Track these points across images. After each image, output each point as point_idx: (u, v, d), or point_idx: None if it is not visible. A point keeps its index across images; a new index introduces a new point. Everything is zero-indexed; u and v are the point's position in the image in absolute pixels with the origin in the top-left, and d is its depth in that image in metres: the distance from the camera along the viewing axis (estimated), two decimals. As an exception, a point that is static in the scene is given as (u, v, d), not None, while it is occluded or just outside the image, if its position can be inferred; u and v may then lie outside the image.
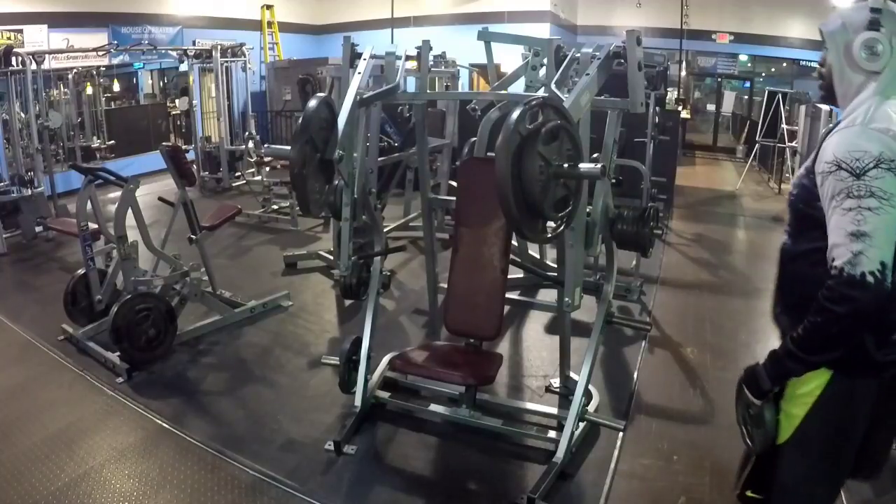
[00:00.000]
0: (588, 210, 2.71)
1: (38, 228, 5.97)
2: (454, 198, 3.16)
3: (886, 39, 1.43)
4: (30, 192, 5.99)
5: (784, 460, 1.56)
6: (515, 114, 1.88)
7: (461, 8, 12.21)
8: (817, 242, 1.43)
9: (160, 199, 4.33)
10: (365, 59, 3.11)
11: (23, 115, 6.76)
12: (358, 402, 2.93)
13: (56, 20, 8.58)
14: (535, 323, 4.12)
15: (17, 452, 2.70)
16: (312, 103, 2.38)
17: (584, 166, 2.11)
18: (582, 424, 2.72)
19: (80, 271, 3.84)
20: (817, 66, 1.59)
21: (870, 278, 1.30)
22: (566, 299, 2.73)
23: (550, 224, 2.15)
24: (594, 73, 2.60)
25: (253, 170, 7.93)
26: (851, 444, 1.53)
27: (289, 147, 2.33)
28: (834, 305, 1.34)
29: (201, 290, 3.85)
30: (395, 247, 4.21)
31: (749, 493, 1.69)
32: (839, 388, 1.47)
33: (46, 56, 7.04)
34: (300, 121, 2.35)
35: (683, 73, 13.84)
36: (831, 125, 1.48)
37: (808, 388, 1.48)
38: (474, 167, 3.06)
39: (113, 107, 9.76)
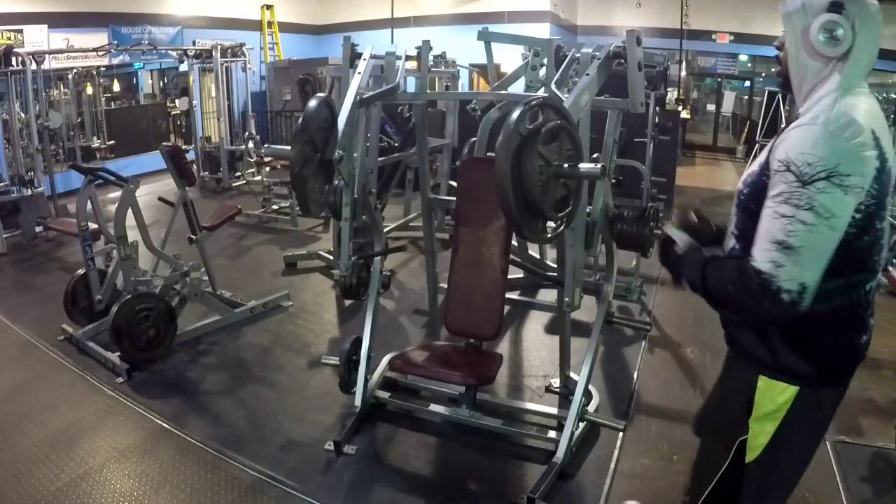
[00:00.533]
0: (588, 210, 2.71)
1: (38, 228, 5.97)
2: (454, 198, 3.16)
3: (848, 24, 1.31)
4: (30, 192, 5.99)
5: (752, 478, 1.52)
6: (515, 114, 1.88)
7: (461, 8, 12.21)
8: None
9: (160, 199, 4.33)
10: (365, 59, 3.11)
11: (23, 115, 6.76)
12: (358, 402, 2.93)
13: (56, 20, 8.58)
14: (535, 323, 4.12)
15: (17, 452, 2.70)
16: (312, 103, 2.38)
17: (584, 166, 2.11)
18: (582, 424, 2.72)
19: (80, 271, 3.84)
20: (775, 49, 1.47)
21: (784, 296, 1.25)
22: (566, 299, 2.73)
23: (550, 224, 2.15)
24: (594, 73, 2.60)
25: (253, 170, 7.93)
26: (812, 453, 1.53)
27: (289, 147, 2.33)
28: (742, 295, 1.31)
29: (201, 290, 3.85)
30: (395, 247, 4.22)
31: None
32: (808, 402, 1.43)
33: (46, 56, 7.04)
34: (300, 121, 2.35)
35: (683, 73, 13.84)
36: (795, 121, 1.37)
37: (777, 404, 1.44)
38: (474, 167, 3.06)
39: (113, 107, 9.75)
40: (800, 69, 1.38)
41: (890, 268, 4.30)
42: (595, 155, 2.91)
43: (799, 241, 1.24)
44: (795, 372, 1.41)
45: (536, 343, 3.86)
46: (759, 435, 1.47)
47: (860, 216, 1.28)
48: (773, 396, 1.44)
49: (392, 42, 10.12)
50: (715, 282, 1.39)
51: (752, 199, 1.38)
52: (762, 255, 1.27)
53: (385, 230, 3.79)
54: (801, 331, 1.39)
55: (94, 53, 8.37)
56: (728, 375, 1.64)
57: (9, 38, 8.05)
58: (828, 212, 1.23)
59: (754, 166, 1.43)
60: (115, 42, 8.83)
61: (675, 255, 1.55)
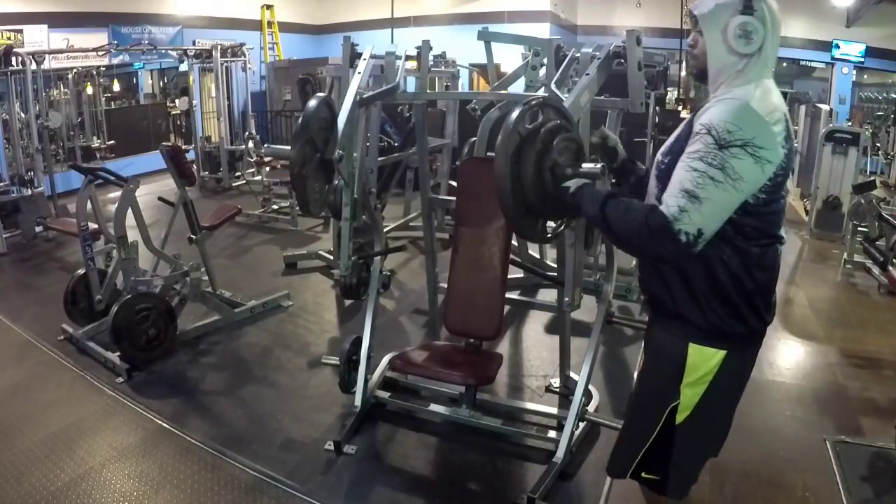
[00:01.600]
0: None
1: (38, 228, 5.97)
2: (454, 198, 3.16)
3: (760, 24, 1.46)
4: (30, 192, 5.99)
5: (681, 438, 1.61)
6: (515, 113, 1.88)
7: (461, 8, 12.21)
8: None
9: (160, 199, 4.33)
10: (365, 59, 3.11)
11: (23, 115, 6.76)
12: (358, 402, 2.93)
13: (56, 20, 8.58)
14: (535, 323, 4.12)
15: (17, 452, 2.70)
16: (312, 103, 2.38)
17: (585, 166, 2.11)
18: (582, 424, 2.72)
19: (80, 271, 3.84)
20: (688, 47, 1.59)
21: (682, 237, 1.38)
22: (566, 299, 2.73)
23: (550, 224, 2.15)
24: (594, 72, 2.60)
25: (253, 170, 7.93)
26: (735, 406, 1.72)
27: (288, 147, 2.33)
28: (644, 230, 1.42)
29: (201, 290, 3.85)
30: (395, 247, 4.22)
31: (644, 475, 1.72)
32: (734, 362, 1.56)
33: (46, 56, 7.04)
34: (300, 121, 2.35)
35: (683, 72, 13.83)
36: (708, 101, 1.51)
37: (706, 369, 1.55)
38: (474, 167, 3.06)
39: (113, 107, 9.75)
40: (717, 64, 1.51)
41: (890, 268, 4.30)
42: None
43: (705, 193, 1.37)
44: (725, 332, 1.54)
45: (536, 343, 3.86)
46: (690, 398, 1.58)
47: (770, 185, 1.44)
48: (705, 362, 1.55)
49: (392, 42, 10.11)
50: (616, 215, 1.51)
51: (673, 168, 1.49)
52: (671, 201, 1.40)
53: (385, 230, 3.79)
54: (728, 287, 1.51)
55: (94, 53, 8.37)
56: (655, 347, 1.71)
57: (9, 38, 8.05)
58: (736, 174, 1.37)
59: (672, 138, 1.57)
60: (115, 42, 8.84)
61: (573, 191, 1.67)
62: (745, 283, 1.50)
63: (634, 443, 1.69)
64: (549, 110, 2.03)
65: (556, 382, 3.25)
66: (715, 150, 1.37)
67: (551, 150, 1.97)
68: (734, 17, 1.46)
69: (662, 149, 1.60)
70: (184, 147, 6.15)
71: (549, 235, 2.21)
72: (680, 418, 1.59)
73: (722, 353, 1.54)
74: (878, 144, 9.26)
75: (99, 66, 9.06)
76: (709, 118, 1.41)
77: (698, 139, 1.41)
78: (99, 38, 8.81)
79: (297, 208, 6.60)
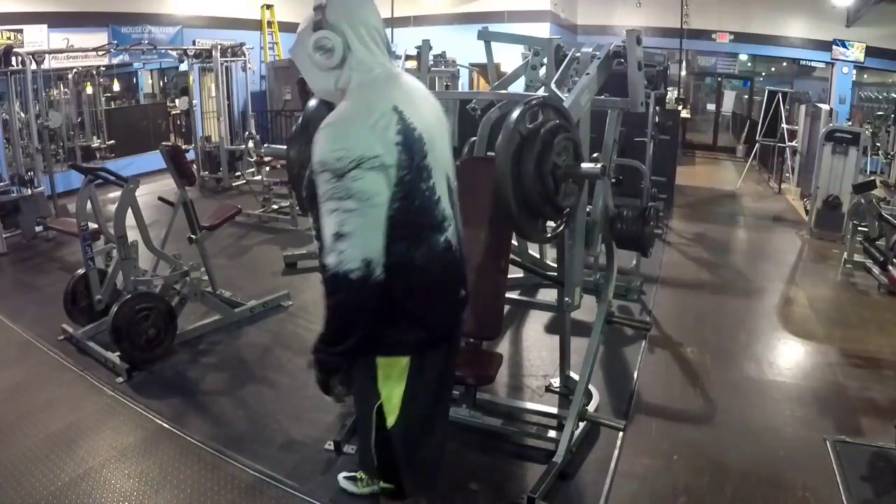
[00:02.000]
0: (588, 210, 2.71)
1: (38, 228, 5.96)
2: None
3: (335, 33, 1.43)
4: (30, 191, 5.99)
5: (397, 441, 1.59)
6: (515, 113, 1.88)
7: (461, 8, 12.21)
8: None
9: (160, 198, 4.33)
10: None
11: (23, 114, 6.75)
12: (358, 401, 2.93)
13: (56, 20, 8.57)
14: (535, 323, 4.12)
15: (17, 452, 2.70)
16: (312, 103, 2.38)
17: (585, 166, 2.11)
18: (582, 424, 2.72)
19: (80, 271, 3.84)
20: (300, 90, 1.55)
21: (354, 275, 1.36)
22: (566, 299, 2.73)
23: (550, 224, 2.15)
24: (594, 72, 2.60)
25: (253, 170, 7.92)
26: (441, 403, 1.74)
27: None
28: (330, 300, 1.43)
29: (201, 289, 3.85)
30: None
31: (383, 485, 1.71)
32: (416, 365, 1.55)
33: (46, 56, 7.04)
34: (300, 121, 2.35)
35: (683, 72, 13.83)
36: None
37: (398, 371, 1.54)
38: (474, 167, 3.05)
39: (113, 107, 9.75)
40: (320, 86, 1.51)
41: (890, 267, 4.30)
42: (595, 154, 2.91)
43: (349, 227, 1.35)
44: (407, 342, 1.53)
45: (536, 343, 3.86)
46: (392, 398, 1.56)
47: (398, 187, 1.40)
48: (393, 368, 1.55)
49: (392, 42, 10.11)
50: (325, 329, 1.48)
51: (311, 199, 1.48)
52: (328, 257, 1.39)
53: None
54: (405, 302, 1.50)
55: (94, 53, 8.36)
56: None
57: (9, 38, 8.04)
58: (366, 194, 1.35)
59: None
60: (115, 42, 8.83)
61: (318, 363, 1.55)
62: (400, 292, 1.47)
63: (367, 448, 1.66)
64: (549, 110, 2.03)
65: (556, 382, 3.24)
66: (337, 182, 1.35)
67: (552, 150, 1.97)
68: (310, 37, 1.45)
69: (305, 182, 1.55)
70: (184, 147, 6.14)
71: (549, 235, 2.21)
72: (390, 421, 1.57)
73: (406, 360, 1.54)
74: (878, 144, 9.26)
75: (99, 66, 9.05)
76: (320, 155, 1.38)
77: (320, 181, 1.38)
78: (99, 38, 8.80)
79: (297, 208, 6.60)
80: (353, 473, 2.51)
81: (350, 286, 1.37)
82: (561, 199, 2.05)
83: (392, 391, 1.56)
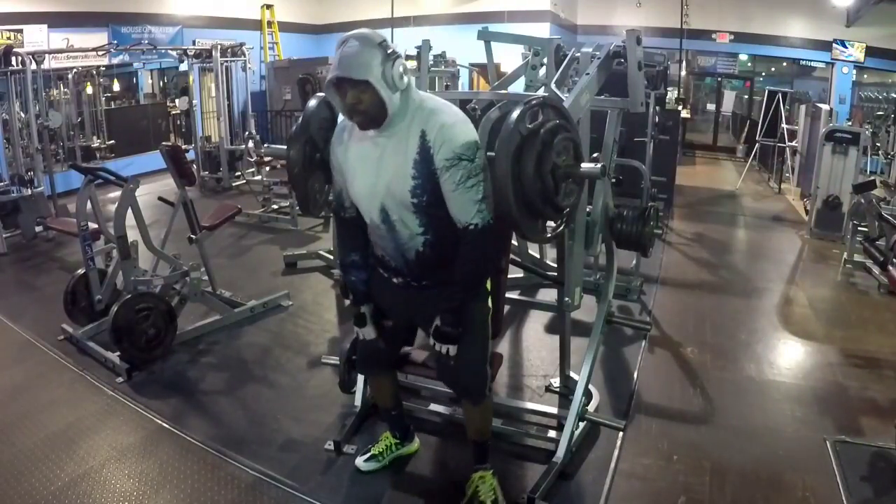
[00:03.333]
0: (588, 210, 2.71)
1: (38, 228, 5.96)
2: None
3: (401, 61, 1.89)
4: (30, 191, 5.98)
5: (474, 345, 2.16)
6: (515, 113, 1.88)
7: (461, 8, 12.21)
8: (448, 230, 1.97)
9: (160, 198, 4.33)
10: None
11: (23, 114, 6.75)
12: (358, 401, 2.93)
13: (56, 20, 8.58)
14: (535, 323, 4.12)
15: (17, 452, 2.70)
16: (312, 103, 2.38)
17: (585, 166, 2.11)
18: (582, 424, 2.72)
19: (80, 271, 3.84)
20: (353, 105, 1.88)
21: (492, 223, 1.94)
22: (566, 299, 2.73)
23: (550, 224, 2.15)
24: (594, 72, 2.59)
25: (253, 170, 7.92)
26: None
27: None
28: (485, 247, 1.97)
29: (201, 289, 3.85)
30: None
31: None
32: (494, 279, 2.23)
33: (46, 56, 7.03)
34: (300, 120, 2.34)
35: (683, 72, 13.83)
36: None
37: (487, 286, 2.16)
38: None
39: (113, 107, 9.74)
40: (392, 105, 1.87)
41: (890, 267, 4.30)
42: (595, 154, 2.91)
43: (486, 191, 1.91)
44: (498, 264, 2.35)
45: (536, 343, 3.86)
46: (489, 308, 2.22)
47: None
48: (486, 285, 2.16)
49: (392, 42, 10.10)
50: (469, 276, 2.03)
51: (432, 204, 1.94)
52: (475, 217, 1.91)
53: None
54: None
55: (94, 53, 8.36)
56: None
57: (9, 38, 8.05)
58: (484, 164, 1.92)
59: (403, 183, 1.93)
60: (115, 42, 8.83)
61: (446, 335, 2.11)
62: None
63: (481, 369, 2.19)
64: (549, 110, 2.03)
65: (556, 382, 3.24)
66: (471, 164, 1.89)
67: (552, 150, 1.97)
68: (392, 62, 1.85)
69: (403, 194, 1.94)
70: (184, 147, 6.14)
71: (549, 235, 2.21)
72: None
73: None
74: (878, 144, 9.25)
75: (99, 66, 9.05)
76: (451, 150, 1.86)
77: (455, 169, 1.87)
78: (99, 38, 8.81)
79: (297, 208, 6.60)
80: (368, 454, 2.58)
81: (492, 231, 1.94)
82: (561, 199, 2.05)
83: (481, 306, 2.15)
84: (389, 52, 1.85)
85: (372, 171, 1.98)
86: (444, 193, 1.91)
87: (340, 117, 2.03)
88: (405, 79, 1.89)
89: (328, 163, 2.50)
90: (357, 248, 2.22)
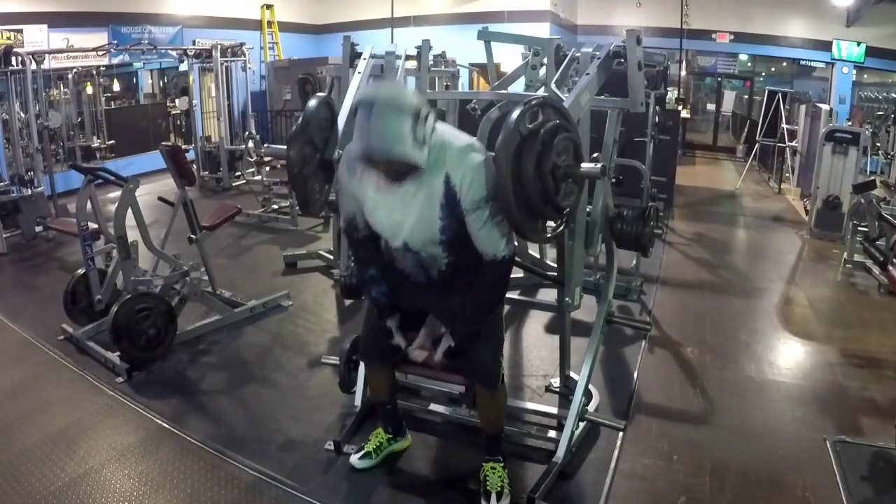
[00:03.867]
0: (588, 210, 2.71)
1: (38, 228, 5.95)
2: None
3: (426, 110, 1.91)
4: (30, 191, 5.98)
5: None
6: (515, 113, 1.88)
7: (461, 8, 12.20)
8: (470, 250, 2.03)
9: (160, 198, 4.33)
10: (365, 59, 3.11)
11: (23, 114, 6.75)
12: (358, 401, 2.93)
13: (56, 20, 8.58)
14: (535, 323, 4.12)
15: (17, 452, 2.70)
16: (312, 103, 2.38)
17: (585, 166, 2.11)
18: (582, 424, 2.72)
19: (80, 271, 3.84)
20: (389, 164, 1.86)
21: (514, 252, 2.09)
22: (566, 299, 2.73)
23: (550, 224, 2.15)
24: (594, 72, 2.59)
25: (253, 170, 7.92)
26: None
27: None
28: (506, 276, 2.11)
29: (201, 289, 3.85)
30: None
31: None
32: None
33: (46, 56, 7.03)
34: (300, 120, 2.35)
35: (683, 72, 13.83)
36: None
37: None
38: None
39: (113, 107, 9.74)
40: (421, 160, 1.87)
41: (890, 267, 4.30)
42: (595, 154, 2.91)
43: (508, 227, 2.01)
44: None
45: (536, 343, 3.86)
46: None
47: None
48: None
49: (392, 42, 10.11)
50: (486, 302, 2.15)
51: (457, 236, 2.02)
52: (503, 250, 2.02)
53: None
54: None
55: (94, 53, 8.36)
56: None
57: (9, 38, 8.05)
58: None
59: (430, 225, 2.00)
60: (115, 42, 8.83)
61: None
62: None
63: (495, 363, 2.28)
64: (548, 110, 2.03)
65: (556, 382, 3.24)
66: (489, 204, 1.96)
67: (552, 150, 1.97)
68: (420, 126, 1.82)
69: (432, 232, 2.02)
70: (184, 147, 6.13)
71: (549, 235, 2.21)
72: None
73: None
74: (878, 144, 9.25)
75: (99, 66, 9.05)
76: (478, 193, 1.93)
77: (481, 210, 1.95)
78: (99, 38, 8.81)
79: (297, 208, 6.60)
80: (362, 451, 2.61)
81: (513, 261, 2.10)
82: (561, 199, 2.06)
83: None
84: (420, 112, 1.81)
85: (396, 208, 2.00)
86: (471, 230, 1.99)
87: (351, 147, 1.97)
88: (433, 129, 1.89)
89: (328, 163, 2.50)
90: (373, 262, 2.24)
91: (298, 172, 2.31)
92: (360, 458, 2.60)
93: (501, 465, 2.44)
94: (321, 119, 2.42)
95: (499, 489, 2.37)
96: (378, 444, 2.63)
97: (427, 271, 2.14)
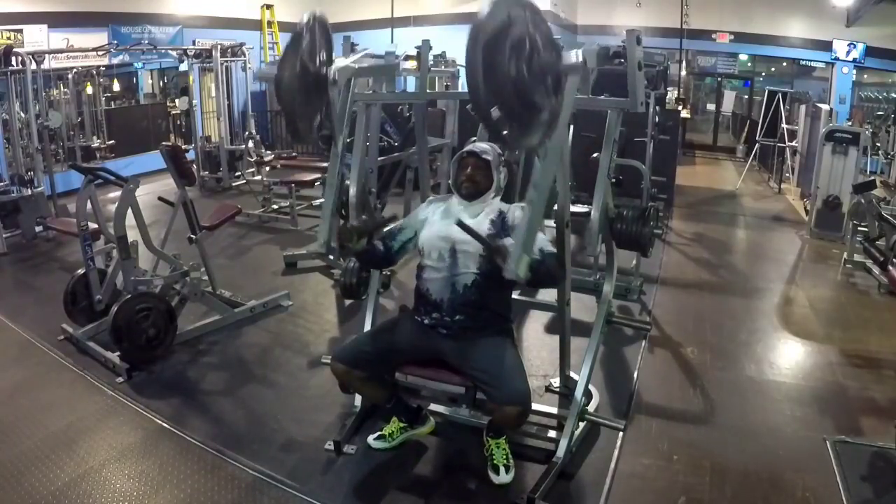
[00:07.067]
0: (588, 210, 2.71)
1: (38, 228, 5.96)
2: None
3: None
4: (30, 191, 5.98)
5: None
6: (489, 7, 1.85)
7: (461, 7, 12.19)
8: (496, 277, 2.23)
9: (160, 198, 4.33)
10: (358, 55, 3.12)
11: (23, 114, 6.74)
12: (358, 401, 2.93)
13: (56, 20, 8.57)
14: (535, 323, 4.12)
15: (17, 452, 2.70)
16: (305, 17, 2.40)
17: (566, 63, 2.05)
18: (582, 424, 2.72)
19: (80, 271, 3.84)
20: (470, 175, 2.49)
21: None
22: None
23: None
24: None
25: (253, 170, 7.92)
26: None
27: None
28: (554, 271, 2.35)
29: (201, 289, 3.85)
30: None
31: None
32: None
33: (46, 56, 7.02)
34: (290, 38, 2.39)
35: (683, 72, 13.83)
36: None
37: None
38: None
39: (113, 107, 9.74)
40: (494, 184, 2.51)
41: (890, 267, 4.30)
42: (595, 154, 2.90)
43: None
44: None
45: (536, 343, 3.86)
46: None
47: None
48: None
49: (392, 42, 10.10)
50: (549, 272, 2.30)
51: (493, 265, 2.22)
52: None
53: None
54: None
55: (94, 53, 8.36)
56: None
57: (9, 38, 8.04)
58: None
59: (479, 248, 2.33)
60: (115, 42, 8.82)
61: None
62: None
63: (523, 382, 2.39)
64: (528, 11, 1.98)
65: (556, 382, 3.24)
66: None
67: (528, 43, 1.90)
68: (500, 167, 2.50)
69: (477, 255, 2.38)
70: (184, 147, 6.14)
71: (536, 143, 2.06)
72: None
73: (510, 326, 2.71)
74: (878, 144, 9.26)
75: (99, 66, 9.05)
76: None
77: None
78: (99, 38, 8.80)
79: (297, 208, 6.61)
80: (379, 432, 2.70)
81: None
82: (539, 99, 1.95)
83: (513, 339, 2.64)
84: (502, 162, 2.51)
85: (452, 220, 2.35)
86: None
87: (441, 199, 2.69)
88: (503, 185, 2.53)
89: (322, 83, 2.51)
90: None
91: (290, 94, 2.31)
92: (375, 439, 2.68)
93: (505, 439, 2.55)
94: (312, 39, 2.43)
95: (505, 462, 2.50)
96: (395, 429, 2.71)
97: (454, 286, 2.38)
